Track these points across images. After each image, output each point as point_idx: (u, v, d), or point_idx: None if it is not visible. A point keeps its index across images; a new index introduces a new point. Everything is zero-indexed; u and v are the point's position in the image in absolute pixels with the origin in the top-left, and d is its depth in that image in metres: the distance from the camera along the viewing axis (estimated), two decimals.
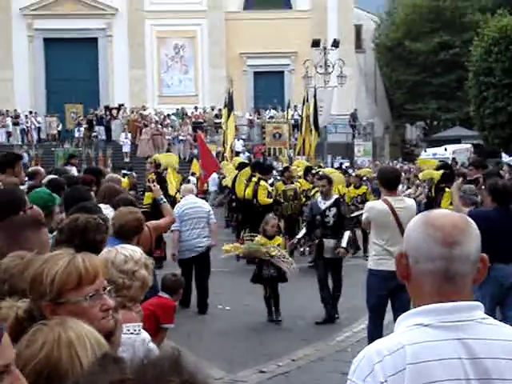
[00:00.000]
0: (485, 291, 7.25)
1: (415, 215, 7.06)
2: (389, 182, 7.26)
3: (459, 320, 1.96)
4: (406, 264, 2.13)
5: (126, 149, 32.64)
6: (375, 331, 7.21)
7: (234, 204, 16.38)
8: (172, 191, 14.21)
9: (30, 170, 10.16)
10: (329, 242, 9.87)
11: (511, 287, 7.27)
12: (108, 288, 2.50)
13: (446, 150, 32.64)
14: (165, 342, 5.63)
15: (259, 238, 9.69)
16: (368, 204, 7.63)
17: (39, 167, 11.75)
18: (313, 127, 22.14)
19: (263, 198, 14.26)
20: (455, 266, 2.00)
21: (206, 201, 13.98)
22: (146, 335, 3.44)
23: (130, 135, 33.87)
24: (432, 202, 13.47)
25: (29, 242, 3.37)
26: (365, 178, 19.11)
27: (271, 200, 14.38)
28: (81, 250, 2.60)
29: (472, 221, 2.14)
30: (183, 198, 11.04)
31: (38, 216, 4.38)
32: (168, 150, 30.68)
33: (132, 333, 3.34)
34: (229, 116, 22.65)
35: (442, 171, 14.09)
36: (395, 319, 7.10)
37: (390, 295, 7.14)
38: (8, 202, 4.27)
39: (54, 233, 4.29)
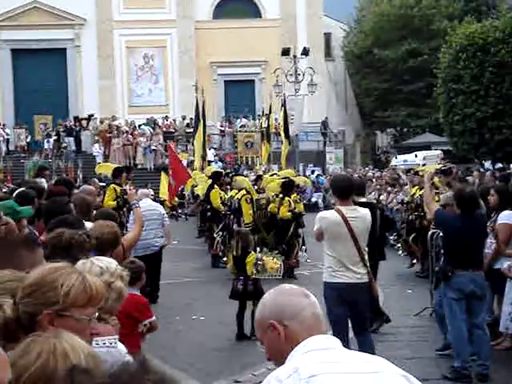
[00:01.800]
0: (447, 297, 7.31)
1: (370, 225, 7.14)
2: (341, 190, 6.93)
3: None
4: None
5: (99, 159, 32.37)
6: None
7: (208, 214, 16.19)
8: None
9: None
10: None
11: (472, 294, 7.24)
12: (96, 315, 2.54)
13: (416, 156, 32.84)
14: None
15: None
16: (320, 214, 7.17)
17: None
18: (283, 135, 22.16)
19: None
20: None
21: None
22: (121, 347, 3.41)
23: (101, 146, 33.73)
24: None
25: (23, 262, 3.31)
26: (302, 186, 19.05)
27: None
28: None
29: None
30: (140, 201, 11.14)
31: (34, 235, 4.31)
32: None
33: (108, 346, 3.32)
34: (197, 126, 22.58)
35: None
36: (355, 333, 7.09)
37: (350, 310, 6.91)
38: None
39: None
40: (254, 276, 9.20)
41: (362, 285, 6.80)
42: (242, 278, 9.32)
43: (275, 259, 9.37)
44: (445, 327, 7.73)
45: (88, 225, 5.52)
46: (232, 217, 14.49)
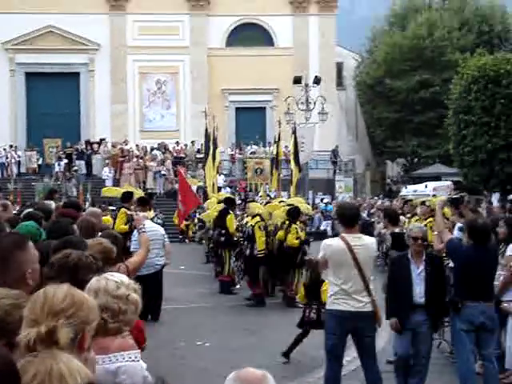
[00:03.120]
0: (457, 329, 7.23)
1: (375, 253, 7.06)
2: (347, 218, 6.92)
3: None
4: None
5: (109, 183, 32.48)
6: (331, 375, 6.93)
7: (222, 239, 15.97)
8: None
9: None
10: None
11: (482, 326, 7.16)
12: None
13: (426, 186, 32.78)
14: None
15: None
16: (325, 241, 7.14)
17: (7, 201, 11.69)
18: (293, 163, 22.18)
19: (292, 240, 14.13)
20: None
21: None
22: (142, 363, 3.46)
23: (112, 169, 33.87)
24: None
25: (20, 264, 3.32)
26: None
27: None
28: None
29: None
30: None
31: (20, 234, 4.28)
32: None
33: (133, 360, 3.38)
34: (208, 152, 22.62)
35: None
36: (362, 364, 7.04)
37: (353, 338, 6.92)
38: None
39: None
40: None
41: (366, 313, 6.75)
42: (315, 306, 9.24)
43: None
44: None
45: None
46: (246, 243, 14.43)
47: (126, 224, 13.11)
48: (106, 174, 33.84)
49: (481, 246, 7.18)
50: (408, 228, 8.04)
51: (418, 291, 7.18)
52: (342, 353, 6.93)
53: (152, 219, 13.82)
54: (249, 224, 14.37)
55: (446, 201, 8.38)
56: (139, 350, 3.53)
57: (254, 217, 14.42)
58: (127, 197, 13.98)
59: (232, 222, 15.54)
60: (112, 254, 5.34)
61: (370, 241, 7.02)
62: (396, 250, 9.30)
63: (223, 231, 15.61)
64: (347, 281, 6.73)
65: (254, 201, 17.31)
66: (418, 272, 7.25)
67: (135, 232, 11.61)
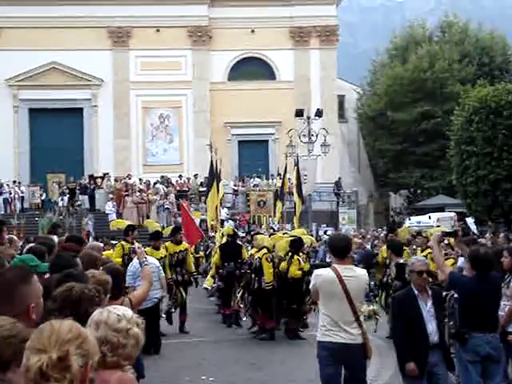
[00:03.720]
0: (463, 360, 7.16)
1: (366, 285, 6.87)
2: (338, 250, 6.89)
3: None
4: None
5: (112, 217, 32.46)
6: None
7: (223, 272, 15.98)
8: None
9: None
10: None
11: (488, 356, 7.10)
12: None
13: (430, 217, 32.73)
14: None
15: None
16: (316, 271, 7.13)
17: (13, 236, 11.72)
18: (296, 195, 22.21)
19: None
20: None
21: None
22: None
23: (115, 204, 33.89)
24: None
25: (23, 298, 3.32)
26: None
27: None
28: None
29: None
30: (135, 257, 11.36)
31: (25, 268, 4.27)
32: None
33: None
34: (212, 185, 22.58)
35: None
36: None
37: (345, 370, 6.82)
38: None
39: None
40: None
41: (355, 345, 6.67)
42: None
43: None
44: None
45: None
46: (253, 276, 14.37)
47: (120, 257, 13.21)
48: (110, 208, 33.87)
49: (484, 275, 7.14)
50: (409, 262, 7.51)
51: (432, 329, 6.89)
52: (339, 382, 6.83)
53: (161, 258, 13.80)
54: (256, 256, 14.32)
55: (441, 235, 8.23)
56: None
57: (260, 249, 14.39)
58: (129, 230, 14.03)
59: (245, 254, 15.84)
60: (107, 285, 5.30)
61: (362, 272, 7.04)
62: (400, 281, 9.24)
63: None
64: (337, 312, 6.69)
65: (258, 233, 17.26)
66: (427, 309, 6.97)
67: (130, 266, 11.79)
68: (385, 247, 14.28)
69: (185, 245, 15.19)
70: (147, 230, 18.88)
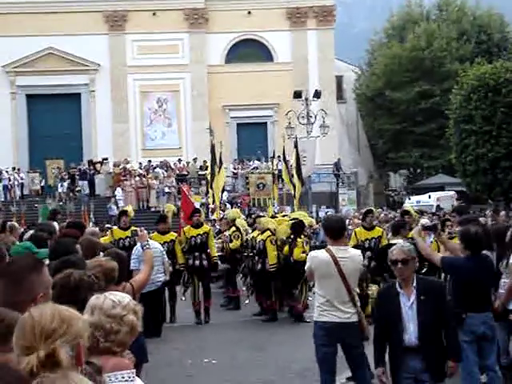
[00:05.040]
0: (460, 340, 7.20)
1: (360, 265, 6.70)
2: (333, 231, 7.01)
3: None
4: None
5: (122, 203, 31.88)
6: None
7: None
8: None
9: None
10: None
11: (484, 336, 7.15)
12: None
13: (429, 197, 32.79)
14: None
15: None
16: (311, 253, 7.31)
17: (14, 223, 11.74)
18: (296, 177, 22.15)
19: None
20: None
21: None
22: (139, 382, 3.41)
23: (119, 189, 33.49)
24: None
25: (33, 286, 3.34)
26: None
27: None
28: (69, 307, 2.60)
29: None
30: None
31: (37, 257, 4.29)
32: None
33: (126, 380, 3.32)
34: (216, 169, 22.49)
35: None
36: (353, 377, 6.84)
37: (342, 350, 6.94)
38: None
39: None
40: None
41: (351, 324, 6.81)
42: None
43: None
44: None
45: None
46: (257, 258, 14.33)
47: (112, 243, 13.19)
48: (120, 194, 33.36)
49: (476, 255, 7.18)
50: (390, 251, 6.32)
51: (411, 330, 5.95)
52: (333, 363, 6.96)
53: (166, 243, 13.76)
54: (259, 239, 14.29)
55: (421, 229, 8.19)
56: (134, 370, 3.46)
57: (263, 231, 14.35)
58: (121, 215, 14.15)
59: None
60: (114, 273, 5.31)
61: (356, 253, 7.15)
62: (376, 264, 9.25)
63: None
64: (332, 292, 6.82)
65: (262, 216, 17.23)
66: (409, 305, 6.00)
67: (134, 250, 11.72)
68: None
69: (205, 228, 14.56)
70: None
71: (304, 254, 13.67)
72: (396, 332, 5.95)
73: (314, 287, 7.32)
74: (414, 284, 5.97)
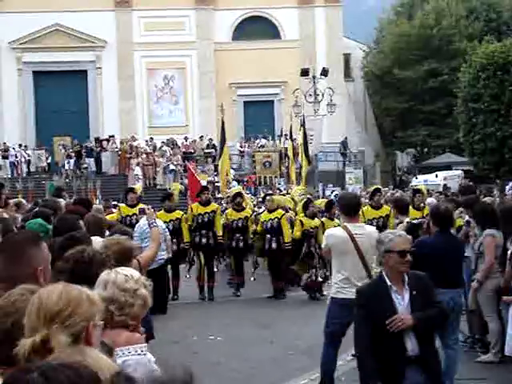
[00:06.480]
0: None
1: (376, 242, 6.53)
2: (348, 208, 7.13)
3: None
4: None
5: (140, 183, 31.37)
6: (326, 359, 7.11)
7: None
8: None
9: (12, 201, 10.02)
10: None
11: (451, 312, 7.16)
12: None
13: (436, 176, 32.67)
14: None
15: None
16: (327, 231, 7.46)
17: (21, 199, 11.72)
18: (303, 155, 22.09)
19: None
20: None
21: None
22: (150, 356, 3.47)
23: (138, 168, 33.02)
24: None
25: (32, 260, 3.36)
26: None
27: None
28: (81, 282, 2.64)
29: None
30: (142, 218, 11.27)
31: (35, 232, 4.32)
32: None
33: (139, 354, 3.40)
34: (222, 148, 22.41)
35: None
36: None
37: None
38: None
39: None
40: None
41: None
42: None
43: None
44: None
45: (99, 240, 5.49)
46: (269, 236, 14.19)
47: (119, 221, 13.14)
48: (139, 173, 32.66)
49: (445, 231, 7.25)
50: (384, 237, 5.19)
51: (410, 337, 4.89)
52: (339, 340, 7.09)
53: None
54: (273, 217, 14.15)
55: (405, 228, 8.17)
56: (146, 344, 3.54)
57: (273, 210, 14.23)
58: (128, 192, 14.15)
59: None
60: (131, 253, 5.31)
61: (372, 229, 7.25)
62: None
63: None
64: (350, 269, 6.91)
65: (268, 195, 17.15)
66: (404, 305, 4.94)
67: (136, 227, 11.69)
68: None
69: (213, 206, 14.44)
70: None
71: (299, 233, 13.68)
72: (395, 339, 4.82)
73: (332, 265, 7.39)
74: (406, 279, 4.99)
